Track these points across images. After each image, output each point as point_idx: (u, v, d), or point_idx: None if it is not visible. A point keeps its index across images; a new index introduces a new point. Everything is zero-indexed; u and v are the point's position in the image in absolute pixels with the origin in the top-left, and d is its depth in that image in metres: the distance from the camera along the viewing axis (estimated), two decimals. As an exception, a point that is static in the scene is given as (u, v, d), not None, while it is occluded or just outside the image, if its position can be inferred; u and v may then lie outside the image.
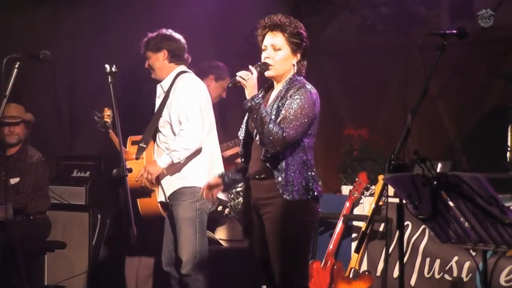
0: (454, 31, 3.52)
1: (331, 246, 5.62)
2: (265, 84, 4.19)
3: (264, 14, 4.14)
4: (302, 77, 4.07)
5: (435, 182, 3.12)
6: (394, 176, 3.32)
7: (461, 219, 3.24)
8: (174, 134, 5.01)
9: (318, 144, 4.13)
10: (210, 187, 4.29)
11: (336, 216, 5.68)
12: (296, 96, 3.94)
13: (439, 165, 5.52)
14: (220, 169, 5.10)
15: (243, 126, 4.18)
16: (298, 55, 4.06)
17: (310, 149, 4.03)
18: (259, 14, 4.56)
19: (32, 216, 6.04)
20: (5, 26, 7.75)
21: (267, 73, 4.05)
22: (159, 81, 5.21)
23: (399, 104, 6.48)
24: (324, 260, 5.58)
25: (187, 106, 4.97)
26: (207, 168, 5.01)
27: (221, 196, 5.09)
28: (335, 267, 5.55)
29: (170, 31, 5.20)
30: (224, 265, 5.67)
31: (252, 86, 3.95)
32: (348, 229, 5.76)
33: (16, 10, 7.78)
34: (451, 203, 3.20)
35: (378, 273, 5.59)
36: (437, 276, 5.31)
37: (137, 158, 5.05)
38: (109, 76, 4.70)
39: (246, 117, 4.14)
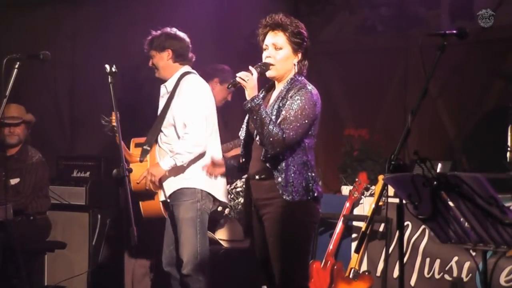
0: (454, 31, 3.52)
1: (331, 246, 5.62)
2: (266, 84, 4.19)
3: (264, 14, 4.14)
4: (303, 77, 4.06)
5: (435, 182, 3.12)
6: (394, 176, 3.32)
7: (461, 219, 3.24)
8: (178, 136, 4.99)
9: (318, 144, 4.13)
10: (214, 164, 4.23)
11: (336, 216, 5.68)
12: (296, 97, 3.94)
13: (439, 165, 5.52)
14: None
15: (244, 126, 4.18)
16: (299, 55, 4.06)
17: (311, 149, 4.03)
18: (259, 14, 4.55)
19: (32, 217, 6.04)
20: (5, 26, 7.75)
21: (268, 73, 4.05)
22: (161, 81, 5.19)
23: (399, 104, 6.48)
24: (324, 260, 5.58)
25: (192, 110, 4.95)
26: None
27: (222, 198, 5.09)
28: (335, 267, 5.55)
29: (174, 30, 5.16)
30: (224, 265, 5.67)
31: (252, 87, 3.94)
32: (348, 229, 5.76)
33: (16, 10, 7.78)
34: (451, 203, 3.20)
35: (378, 273, 5.58)
36: (437, 276, 5.31)
37: (141, 161, 5.04)
38: (109, 76, 4.69)
39: (247, 117, 4.13)
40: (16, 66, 4.43)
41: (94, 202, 6.58)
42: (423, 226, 5.33)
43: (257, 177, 4.05)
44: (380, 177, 5.43)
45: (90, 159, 6.87)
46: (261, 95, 4.05)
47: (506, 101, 5.69)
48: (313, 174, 3.99)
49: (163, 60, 5.12)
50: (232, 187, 5.89)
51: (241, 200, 5.68)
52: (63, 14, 7.77)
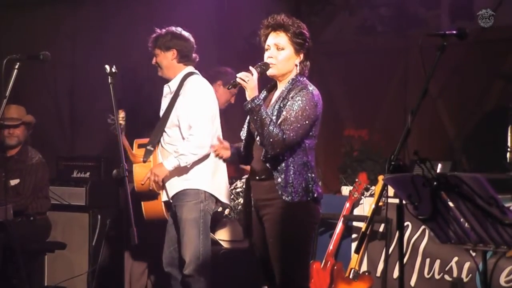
0: (454, 32, 3.52)
1: (331, 247, 5.62)
2: (268, 85, 4.19)
3: (264, 14, 4.13)
4: (304, 78, 4.06)
5: (435, 183, 3.12)
6: (394, 176, 3.32)
7: (461, 219, 3.23)
8: (182, 136, 4.98)
9: (318, 144, 4.13)
10: (221, 143, 4.18)
11: (336, 216, 5.68)
12: (297, 98, 3.94)
13: (439, 165, 5.52)
14: (224, 173, 5.09)
15: (245, 126, 4.18)
16: (301, 55, 4.05)
17: (311, 150, 4.03)
18: (259, 14, 4.57)
19: (32, 217, 6.04)
20: (5, 26, 7.75)
21: (269, 72, 4.04)
22: (162, 81, 5.18)
23: (399, 105, 6.48)
24: (324, 261, 5.58)
25: (197, 111, 4.94)
26: (210, 173, 5.00)
27: (225, 199, 5.09)
28: (335, 267, 5.55)
29: (179, 29, 5.13)
30: (224, 265, 5.66)
31: (253, 87, 3.94)
32: (348, 229, 5.76)
33: (16, 10, 7.79)
34: (451, 204, 3.20)
35: (378, 274, 5.58)
36: (437, 276, 5.31)
37: (144, 161, 5.04)
38: (109, 77, 4.68)
39: (248, 118, 4.13)
40: (16, 66, 4.42)
41: (94, 202, 6.58)
42: (423, 227, 5.33)
43: (257, 177, 4.05)
44: (380, 178, 5.43)
45: (90, 159, 6.87)
46: (262, 96, 4.05)
47: (506, 101, 5.69)
48: (313, 175, 3.99)
49: (167, 59, 5.10)
50: (232, 187, 5.90)
51: (241, 200, 5.68)
52: (63, 14, 7.77)
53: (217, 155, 4.20)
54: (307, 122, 3.93)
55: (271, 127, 3.88)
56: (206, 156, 4.96)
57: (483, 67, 6.22)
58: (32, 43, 7.33)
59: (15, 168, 6.04)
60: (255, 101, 3.92)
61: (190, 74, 5.10)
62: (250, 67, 3.98)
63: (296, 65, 4.05)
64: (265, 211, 4.02)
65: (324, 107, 4.06)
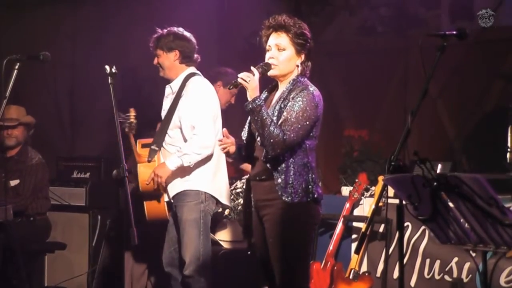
0: (454, 32, 3.52)
1: (331, 247, 5.62)
2: (269, 85, 4.19)
3: (264, 15, 4.14)
4: (305, 79, 4.05)
5: (435, 183, 3.12)
6: (394, 177, 3.32)
7: (461, 220, 3.23)
8: (184, 137, 4.98)
9: (318, 145, 4.13)
10: (228, 138, 4.16)
11: (336, 217, 5.67)
12: (298, 98, 3.94)
13: (439, 166, 5.52)
14: (224, 174, 5.09)
15: (246, 127, 4.18)
16: (302, 56, 4.05)
17: (312, 151, 4.03)
18: (259, 15, 4.57)
19: (32, 217, 6.04)
20: (5, 26, 7.75)
21: (270, 73, 4.04)
22: (163, 81, 5.17)
23: (399, 105, 6.48)
24: (324, 261, 5.58)
25: (200, 111, 4.93)
26: (211, 174, 5.00)
27: (225, 201, 5.09)
28: (335, 268, 5.55)
29: (181, 30, 5.11)
30: (225, 266, 5.66)
31: (254, 87, 3.94)
32: (348, 230, 5.76)
33: (16, 10, 7.79)
34: (451, 204, 3.20)
35: (378, 274, 5.58)
36: (437, 277, 5.30)
37: (149, 161, 5.04)
38: (109, 77, 4.68)
39: (249, 118, 4.13)
40: (16, 67, 4.42)
41: (94, 203, 6.58)
42: (423, 227, 5.32)
43: (257, 177, 4.05)
44: (380, 178, 5.43)
45: (90, 160, 6.87)
46: (263, 96, 4.05)
47: (506, 101, 5.69)
48: (313, 176, 3.99)
49: (169, 60, 5.09)
50: (232, 188, 5.89)
51: (241, 201, 5.68)
52: (63, 14, 7.77)
53: (223, 150, 4.17)
54: (307, 122, 3.92)
55: (271, 128, 3.87)
56: (208, 157, 4.96)
57: (483, 67, 6.22)
58: (32, 43, 7.33)
59: (15, 168, 6.04)
60: (256, 101, 3.92)
61: (192, 75, 5.10)
62: (252, 67, 3.98)
63: (298, 66, 4.04)
64: (265, 211, 4.02)
65: (324, 107, 4.05)
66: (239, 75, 3.97)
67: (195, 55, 5.14)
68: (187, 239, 4.94)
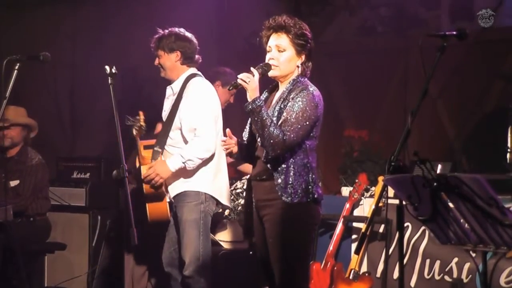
0: (454, 32, 3.52)
1: (331, 247, 5.62)
2: (270, 85, 4.19)
3: (264, 15, 4.14)
4: (305, 79, 4.05)
5: (435, 183, 3.11)
6: (394, 177, 3.32)
7: (461, 220, 3.23)
8: (184, 139, 4.97)
9: (318, 145, 4.13)
10: (231, 138, 4.15)
11: (336, 217, 5.67)
12: (298, 99, 3.93)
13: (439, 166, 5.52)
14: (225, 175, 5.09)
15: (247, 127, 4.18)
16: (303, 57, 4.04)
17: (312, 151, 4.03)
18: (259, 15, 4.57)
19: (32, 218, 6.03)
20: (5, 26, 7.75)
21: (271, 73, 4.03)
22: (163, 81, 5.16)
23: (399, 105, 6.48)
24: (324, 261, 5.58)
25: (201, 113, 4.92)
26: (212, 174, 5.00)
27: (225, 202, 5.09)
28: (335, 268, 5.55)
29: (183, 31, 5.09)
30: (225, 266, 5.66)
31: (254, 88, 3.94)
32: (348, 230, 5.76)
33: (16, 10, 7.79)
34: (451, 204, 3.20)
35: (378, 274, 5.58)
36: (437, 277, 5.30)
37: None
38: (109, 78, 4.68)
39: (250, 119, 4.13)
40: (16, 67, 4.42)
41: (94, 203, 6.58)
42: (423, 227, 5.32)
43: (258, 178, 4.05)
44: (380, 178, 5.43)
45: (90, 160, 6.87)
46: (263, 97, 4.05)
47: (506, 101, 5.69)
48: (313, 176, 3.99)
49: (170, 61, 5.07)
50: (232, 188, 5.89)
51: (241, 201, 5.68)
52: (63, 14, 7.77)
53: (226, 150, 4.16)
54: (307, 123, 3.92)
55: (271, 128, 3.87)
56: (209, 158, 4.96)
57: (483, 67, 6.22)
58: (32, 43, 7.33)
59: (15, 169, 6.03)
60: (256, 102, 3.91)
61: (193, 75, 5.09)
62: (251, 68, 3.98)
63: (298, 66, 4.04)
64: (266, 211, 4.02)
65: (324, 108, 4.05)
66: (239, 76, 3.97)
67: (196, 56, 5.13)
68: (187, 240, 4.94)
